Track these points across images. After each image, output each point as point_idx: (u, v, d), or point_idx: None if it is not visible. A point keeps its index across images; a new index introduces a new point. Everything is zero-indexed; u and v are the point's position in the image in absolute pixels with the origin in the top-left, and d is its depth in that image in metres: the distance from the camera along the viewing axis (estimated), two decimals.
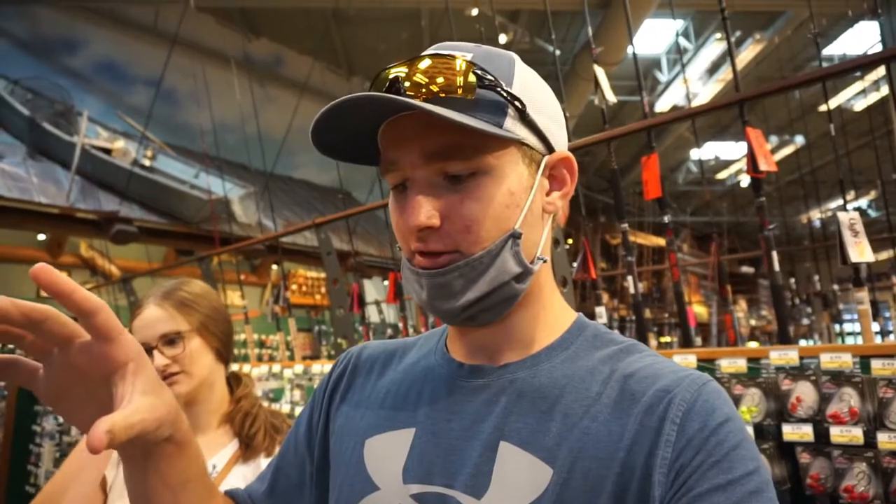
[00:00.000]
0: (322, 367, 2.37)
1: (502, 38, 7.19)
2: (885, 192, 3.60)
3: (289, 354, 3.46)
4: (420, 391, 0.61)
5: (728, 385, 1.36)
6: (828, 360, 1.27)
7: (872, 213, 12.08)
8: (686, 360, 1.43)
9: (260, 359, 7.13)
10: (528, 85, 0.56)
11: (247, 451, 1.14)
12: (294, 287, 9.58)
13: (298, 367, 2.44)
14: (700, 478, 0.46)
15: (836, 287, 5.15)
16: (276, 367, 2.55)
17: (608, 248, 12.16)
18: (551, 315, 0.60)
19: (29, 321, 0.43)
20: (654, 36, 8.14)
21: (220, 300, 1.25)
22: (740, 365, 1.38)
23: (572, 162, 0.60)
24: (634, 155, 9.50)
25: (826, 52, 7.22)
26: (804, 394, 1.28)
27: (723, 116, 9.04)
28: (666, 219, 1.92)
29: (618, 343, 0.58)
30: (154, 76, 7.23)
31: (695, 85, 8.72)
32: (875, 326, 1.93)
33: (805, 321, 5.67)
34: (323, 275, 9.28)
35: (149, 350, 1.13)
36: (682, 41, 8.07)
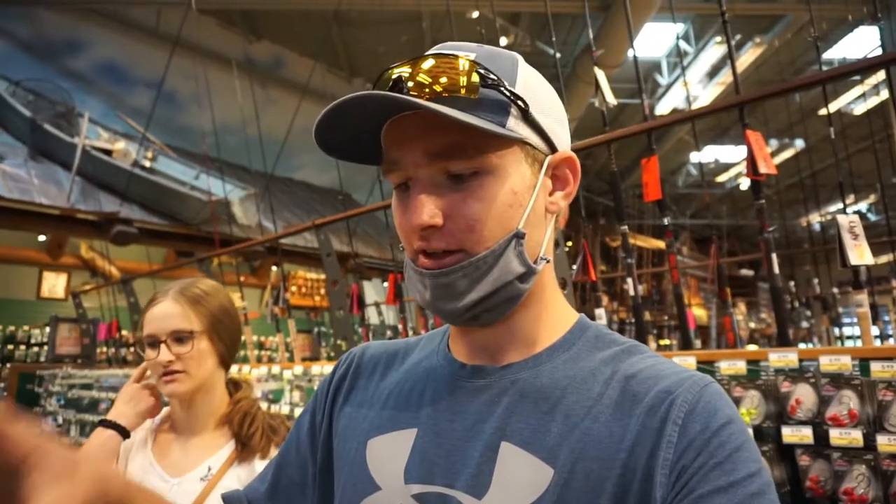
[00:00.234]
0: (322, 369, 2.37)
1: (503, 41, 7.20)
2: (885, 195, 3.60)
3: (288, 356, 3.46)
4: (422, 392, 0.61)
5: (728, 387, 1.36)
6: (827, 363, 1.27)
7: (872, 217, 12.08)
8: (686, 361, 1.43)
9: (259, 360, 7.12)
10: (531, 85, 0.56)
11: (243, 451, 1.14)
12: (294, 288, 9.58)
13: (298, 369, 2.44)
14: (702, 479, 0.46)
15: (835, 290, 5.15)
16: (276, 369, 2.55)
17: (608, 250, 12.16)
18: (553, 315, 0.60)
19: None
20: (654, 39, 8.16)
21: (235, 307, 1.26)
22: (740, 367, 1.38)
23: (575, 162, 0.60)
24: (634, 158, 9.50)
25: (826, 55, 7.24)
26: (804, 396, 1.28)
27: (723, 119, 9.05)
28: (666, 221, 1.93)
29: (619, 344, 0.58)
30: (155, 78, 7.23)
31: (695, 88, 8.74)
32: (874, 330, 1.93)
33: (804, 324, 5.67)
34: (322, 276, 9.28)
35: (157, 343, 1.14)
36: (683, 44, 8.09)
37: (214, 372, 1.19)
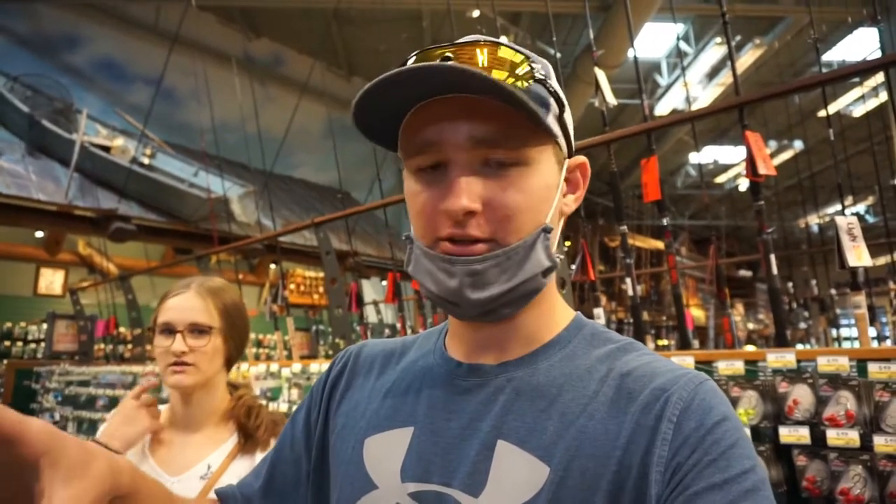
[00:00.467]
0: (320, 367, 2.37)
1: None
2: (883, 197, 3.61)
3: (286, 354, 3.46)
4: (419, 390, 0.61)
5: (725, 387, 1.36)
6: (825, 364, 1.28)
7: (870, 219, 12.10)
8: (684, 361, 1.43)
9: (258, 358, 7.12)
10: (559, 88, 0.57)
11: (247, 443, 1.15)
12: (292, 286, 9.58)
13: (296, 367, 2.44)
14: (696, 476, 0.46)
15: (833, 292, 5.15)
16: (274, 367, 2.54)
17: (607, 250, 12.17)
18: (553, 314, 0.60)
19: None
20: (654, 39, 8.17)
21: (247, 316, 1.28)
22: (738, 367, 1.38)
23: (588, 168, 0.61)
24: (634, 158, 9.51)
25: (825, 57, 7.24)
26: (801, 396, 1.28)
27: (722, 120, 9.06)
28: (665, 222, 1.93)
29: (615, 342, 0.58)
30: (154, 75, 7.22)
31: (695, 89, 8.74)
32: (872, 332, 1.94)
33: (802, 325, 5.67)
34: (321, 274, 9.28)
35: (172, 331, 1.14)
36: (683, 45, 8.09)
37: (219, 371, 1.20)
